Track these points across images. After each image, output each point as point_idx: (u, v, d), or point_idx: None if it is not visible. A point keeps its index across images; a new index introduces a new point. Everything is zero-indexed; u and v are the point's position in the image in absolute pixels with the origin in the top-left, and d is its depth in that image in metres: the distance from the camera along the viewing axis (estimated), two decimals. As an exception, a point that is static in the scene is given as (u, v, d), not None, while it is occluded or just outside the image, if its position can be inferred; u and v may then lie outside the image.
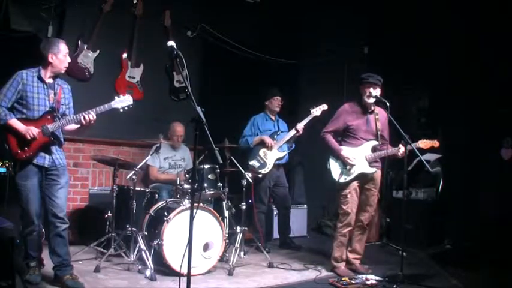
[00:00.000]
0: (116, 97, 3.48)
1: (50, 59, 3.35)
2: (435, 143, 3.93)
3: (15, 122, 3.23)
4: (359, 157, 4.01)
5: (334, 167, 4.08)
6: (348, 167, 4.01)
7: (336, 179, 4.04)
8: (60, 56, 3.37)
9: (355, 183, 4.03)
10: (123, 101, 3.46)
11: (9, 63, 4.46)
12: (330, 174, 4.09)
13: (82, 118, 3.32)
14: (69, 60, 3.45)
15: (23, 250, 3.42)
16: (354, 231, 4.17)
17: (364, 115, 4.10)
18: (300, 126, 4.87)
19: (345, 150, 4.03)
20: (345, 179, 4.02)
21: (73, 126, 3.48)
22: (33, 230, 3.35)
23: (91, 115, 3.33)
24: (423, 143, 3.91)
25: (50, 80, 3.41)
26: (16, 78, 3.29)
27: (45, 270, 3.53)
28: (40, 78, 3.36)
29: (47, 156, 3.34)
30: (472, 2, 5.05)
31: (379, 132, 4.10)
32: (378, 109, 4.15)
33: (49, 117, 3.34)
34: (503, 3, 4.79)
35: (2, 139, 3.25)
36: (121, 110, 3.49)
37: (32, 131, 3.23)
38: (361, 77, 4.08)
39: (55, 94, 3.41)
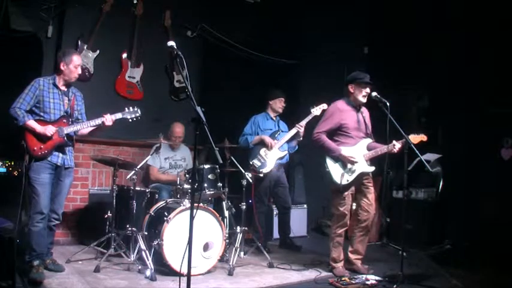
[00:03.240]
0: (126, 108, 3.85)
1: (61, 67, 3.67)
2: (423, 137, 3.91)
3: (33, 123, 3.53)
4: (358, 156, 3.99)
5: (334, 169, 3.99)
6: (348, 167, 3.97)
7: (338, 182, 3.93)
8: (71, 66, 3.68)
9: (353, 186, 4.02)
10: (132, 113, 3.85)
11: (9, 63, 4.48)
12: (329, 177, 3.99)
13: (103, 121, 3.71)
14: (79, 72, 3.76)
15: (27, 247, 3.51)
16: (357, 232, 4.15)
17: (354, 113, 4.10)
18: (301, 124, 4.88)
19: (345, 150, 3.98)
20: (347, 180, 3.95)
21: (86, 130, 3.82)
22: (40, 221, 3.53)
23: (111, 120, 3.74)
24: (412, 138, 3.88)
25: (65, 88, 3.74)
26: (34, 85, 3.60)
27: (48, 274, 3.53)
28: (55, 85, 3.68)
29: (60, 155, 3.66)
30: (472, 2, 5.05)
31: (368, 131, 4.11)
32: (363, 108, 4.17)
33: (64, 120, 3.67)
34: (503, 3, 4.79)
35: (20, 138, 3.52)
36: (130, 120, 3.85)
37: (50, 129, 3.54)
38: (354, 76, 4.08)
39: (69, 100, 3.75)
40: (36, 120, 3.56)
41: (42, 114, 3.60)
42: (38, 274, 3.38)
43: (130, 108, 3.88)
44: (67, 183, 3.78)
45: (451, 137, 5.26)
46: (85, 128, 3.76)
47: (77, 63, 3.72)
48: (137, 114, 3.88)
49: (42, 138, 3.54)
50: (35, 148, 3.53)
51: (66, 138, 3.66)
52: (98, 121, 3.73)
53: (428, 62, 5.51)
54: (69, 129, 3.66)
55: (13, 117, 3.51)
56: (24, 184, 3.46)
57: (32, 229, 3.52)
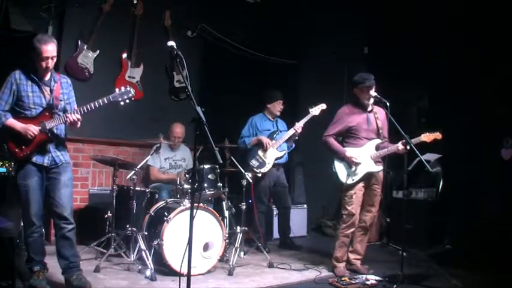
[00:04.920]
0: (116, 89, 3.35)
1: (32, 58, 3.21)
2: (438, 135, 3.92)
3: (12, 122, 3.18)
4: (364, 157, 4.00)
5: (340, 169, 4.05)
6: (353, 168, 3.99)
7: (344, 181, 4.00)
8: (38, 58, 3.18)
9: (360, 184, 4.02)
10: (123, 94, 3.32)
11: (9, 63, 4.47)
12: (336, 177, 4.06)
13: (67, 118, 3.23)
14: (49, 65, 3.23)
15: (25, 253, 3.35)
16: (356, 232, 4.16)
17: (364, 114, 4.11)
18: (299, 125, 4.88)
19: (349, 151, 4.01)
20: (353, 180, 3.99)
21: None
22: (34, 231, 3.26)
23: (75, 116, 3.22)
24: (426, 137, 3.90)
25: (45, 77, 3.30)
26: (10, 80, 3.23)
27: (50, 276, 3.45)
28: (30, 77, 3.25)
29: (46, 154, 3.26)
30: (472, 2, 5.05)
31: (380, 131, 4.11)
32: (376, 108, 4.17)
33: (47, 114, 3.26)
34: (503, 3, 4.79)
35: (2, 140, 3.22)
36: (122, 103, 3.35)
37: (32, 130, 3.16)
38: (356, 80, 4.08)
39: (51, 91, 3.30)
40: (17, 118, 3.20)
41: (23, 111, 3.22)
42: (38, 281, 3.21)
43: (122, 88, 3.34)
44: (65, 181, 3.31)
45: (451, 137, 5.25)
46: (63, 122, 3.30)
47: (44, 54, 3.16)
48: (130, 95, 3.33)
49: (23, 137, 3.16)
50: (17, 150, 3.19)
51: (51, 133, 3.26)
52: (65, 117, 3.25)
53: (428, 62, 5.51)
54: (52, 124, 3.23)
55: None
56: (7, 190, 3.26)
57: (28, 240, 3.27)
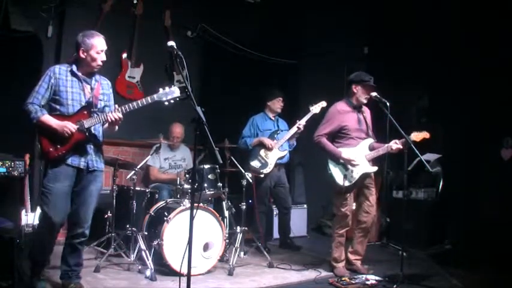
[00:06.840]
0: (160, 89, 3.16)
1: (81, 55, 3.07)
2: (426, 135, 3.89)
3: (47, 119, 2.97)
4: (359, 157, 3.98)
5: (336, 172, 3.99)
6: (350, 170, 3.96)
7: (341, 184, 3.93)
8: (93, 52, 3.05)
9: (356, 186, 4.01)
10: (168, 94, 3.12)
11: (9, 63, 4.47)
12: (332, 179, 3.99)
13: (107, 117, 3.05)
14: (103, 58, 3.12)
15: (27, 251, 3.33)
16: (356, 233, 4.15)
17: (355, 114, 4.09)
18: (301, 123, 4.88)
19: (345, 153, 3.97)
20: (350, 182, 3.95)
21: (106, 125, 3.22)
22: (52, 235, 3.11)
23: (116, 114, 3.04)
24: (415, 136, 3.88)
25: (88, 75, 3.15)
26: (48, 74, 3.06)
27: (50, 276, 3.43)
28: (73, 73, 3.10)
29: (82, 156, 3.06)
30: (472, 2, 5.05)
31: (369, 130, 4.10)
32: (363, 107, 4.16)
33: (85, 112, 3.05)
34: (503, 3, 4.79)
35: (36, 138, 3.06)
36: (166, 103, 3.15)
37: (70, 127, 2.95)
38: (360, 78, 4.06)
39: (92, 89, 3.14)
40: (52, 116, 3.00)
41: (58, 107, 3.02)
42: (39, 283, 3.15)
43: (166, 88, 3.14)
44: (92, 189, 3.13)
45: (451, 137, 5.25)
46: (102, 122, 3.10)
47: (99, 48, 3.06)
48: (174, 95, 3.11)
49: (59, 136, 2.95)
50: (51, 149, 2.96)
51: (88, 133, 3.06)
52: (104, 115, 3.07)
53: (428, 62, 5.51)
54: (91, 122, 3.03)
55: (26, 114, 2.98)
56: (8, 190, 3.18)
57: (37, 239, 3.24)
